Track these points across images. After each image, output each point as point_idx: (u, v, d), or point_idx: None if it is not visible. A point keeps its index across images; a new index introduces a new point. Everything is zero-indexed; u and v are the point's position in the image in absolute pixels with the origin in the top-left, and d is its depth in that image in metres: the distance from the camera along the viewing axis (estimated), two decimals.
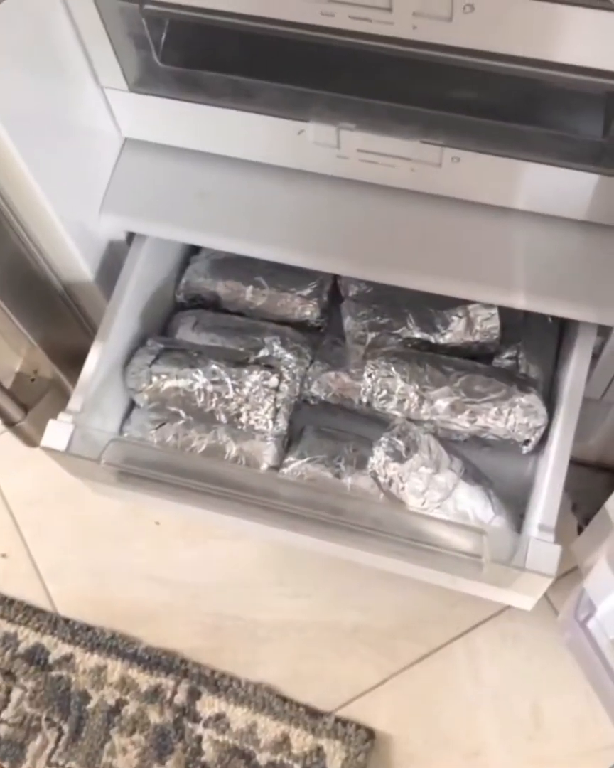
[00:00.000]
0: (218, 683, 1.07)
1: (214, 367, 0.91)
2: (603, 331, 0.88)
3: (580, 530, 1.07)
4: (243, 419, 0.91)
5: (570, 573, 1.03)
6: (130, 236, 0.95)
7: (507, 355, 0.95)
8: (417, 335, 0.94)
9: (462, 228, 0.86)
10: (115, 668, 1.08)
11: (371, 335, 0.94)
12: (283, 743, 1.04)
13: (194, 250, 1.03)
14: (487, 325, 0.93)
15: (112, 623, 1.12)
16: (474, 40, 0.68)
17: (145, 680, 1.07)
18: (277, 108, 0.83)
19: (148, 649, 1.09)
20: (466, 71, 0.71)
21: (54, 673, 1.09)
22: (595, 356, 0.89)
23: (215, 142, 0.89)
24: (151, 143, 0.91)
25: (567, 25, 0.64)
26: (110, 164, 0.92)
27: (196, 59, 0.84)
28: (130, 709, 1.06)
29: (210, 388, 0.90)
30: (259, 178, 0.90)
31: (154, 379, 0.92)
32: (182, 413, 0.93)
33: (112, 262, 0.95)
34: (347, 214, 0.88)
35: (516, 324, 0.96)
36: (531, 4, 0.63)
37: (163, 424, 0.94)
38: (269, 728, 1.04)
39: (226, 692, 1.06)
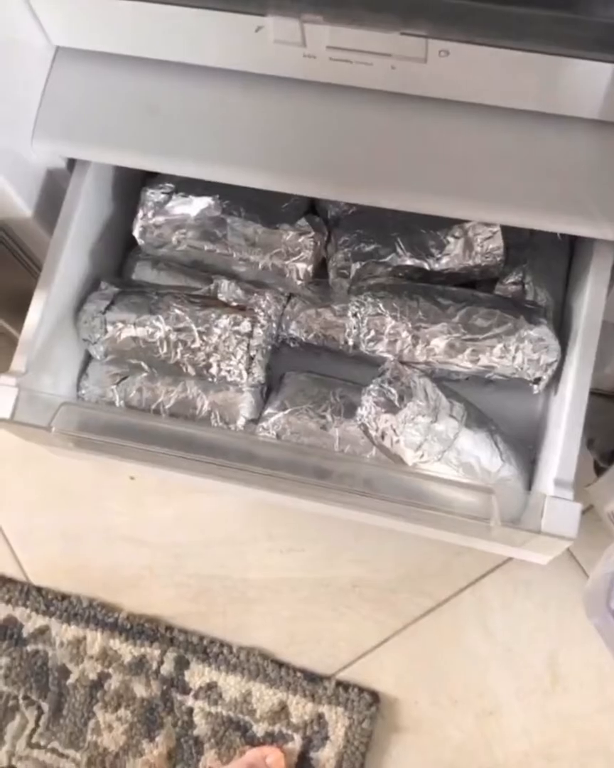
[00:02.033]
0: (207, 650, 0.99)
1: (177, 311, 0.80)
2: None
3: (597, 468, 0.98)
4: (213, 371, 0.80)
5: (585, 512, 0.95)
6: (71, 163, 0.84)
7: (511, 279, 0.84)
8: (409, 262, 0.83)
9: (454, 135, 0.75)
10: (95, 639, 1.00)
11: (355, 266, 0.83)
12: (280, 712, 0.97)
13: (148, 175, 0.90)
14: (489, 245, 0.82)
15: (89, 591, 1.04)
16: None
17: (128, 651, 0.99)
18: (229, 0, 0.70)
19: (129, 617, 1.01)
20: None
21: (29, 648, 1.01)
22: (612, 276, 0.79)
23: (161, 45, 0.77)
24: (88, 51, 0.79)
25: None
26: (41, 80, 0.80)
27: None
28: (114, 682, 0.99)
29: (173, 336, 0.79)
30: (215, 88, 0.78)
31: (110, 328, 0.81)
32: (144, 365, 0.82)
33: (53, 195, 0.84)
34: (320, 125, 0.76)
35: (521, 242, 0.85)
36: None
37: (124, 377, 0.84)
38: (265, 696, 0.97)
39: (216, 660, 0.98)
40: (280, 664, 0.98)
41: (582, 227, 0.74)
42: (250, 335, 0.79)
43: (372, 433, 0.75)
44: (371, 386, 0.75)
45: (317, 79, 0.75)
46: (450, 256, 0.83)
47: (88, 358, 0.87)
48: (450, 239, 0.83)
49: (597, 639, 0.95)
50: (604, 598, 0.63)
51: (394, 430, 0.75)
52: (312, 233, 0.82)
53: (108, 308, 0.82)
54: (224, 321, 0.78)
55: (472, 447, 0.78)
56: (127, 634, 1.00)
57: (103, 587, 1.03)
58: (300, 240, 0.82)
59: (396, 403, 0.75)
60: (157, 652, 0.99)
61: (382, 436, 0.75)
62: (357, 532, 1.02)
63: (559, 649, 0.98)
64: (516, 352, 0.78)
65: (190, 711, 0.97)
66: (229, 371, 0.80)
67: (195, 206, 0.83)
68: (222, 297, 0.81)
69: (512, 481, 0.79)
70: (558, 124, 0.73)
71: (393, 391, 0.75)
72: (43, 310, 0.79)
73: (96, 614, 1.01)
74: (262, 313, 0.80)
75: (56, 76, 0.80)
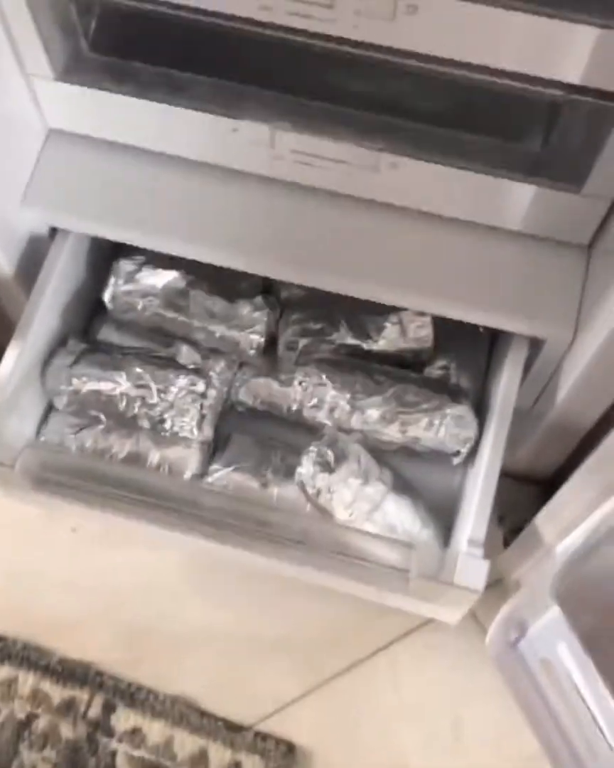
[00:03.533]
0: (134, 696, 1.03)
1: (138, 370, 0.88)
2: (534, 342, 0.87)
3: (506, 542, 1.06)
4: (167, 425, 0.87)
5: (494, 584, 1.02)
6: (53, 231, 0.92)
7: (438, 364, 0.95)
8: (350, 341, 0.93)
9: (397, 234, 0.85)
10: (27, 680, 1.03)
11: (303, 341, 0.92)
12: (200, 758, 1.01)
13: (121, 247, 0.99)
14: (420, 332, 0.92)
15: (24, 633, 1.07)
16: (416, 41, 0.66)
17: (57, 693, 1.03)
18: (211, 104, 0.81)
19: (62, 661, 1.05)
20: (407, 74, 0.70)
21: None
22: (525, 367, 0.89)
23: (145, 136, 0.86)
24: (78, 135, 0.88)
25: (508, 30, 0.63)
26: (34, 155, 0.88)
27: (127, 49, 0.81)
28: (42, 723, 1.02)
29: (133, 392, 0.87)
30: (190, 176, 0.87)
31: (75, 380, 0.88)
32: (102, 417, 0.90)
33: (33, 258, 0.92)
34: (281, 216, 0.86)
35: (448, 333, 0.95)
36: (474, 7, 0.62)
37: (82, 428, 0.90)
38: (186, 743, 1.01)
39: (142, 705, 1.03)
40: (203, 713, 1.03)
41: (502, 322, 0.85)
42: (204, 395, 0.87)
43: (309, 490, 0.83)
44: (311, 448, 0.84)
45: (282, 178, 0.85)
46: (387, 339, 0.93)
47: (50, 409, 0.93)
48: (388, 325, 0.93)
49: (498, 700, 1.03)
50: (504, 633, 0.71)
51: (329, 489, 0.83)
52: (267, 310, 0.92)
53: (74, 363, 0.89)
54: (182, 380, 0.87)
55: (397, 510, 0.86)
56: (59, 676, 1.03)
57: (38, 630, 1.07)
58: (255, 315, 0.92)
59: (332, 464, 0.83)
60: (85, 696, 1.02)
61: (317, 494, 0.83)
62: (285, 591, 1.08)
63: (463, 709, 1.05)
64: (440, 426, 0.87)
65: (114, 753, 1.00)
66: (181, 427, 0.87)
67: (162, 278, 0.92)
68: (181, 360, 0.89)
69: (431, 543, 0.88)
70: (488, 232, 0.83)
71: (331, 453, 0.83)
72: (14, 363, 0.86)
73: (29, 656, 1.04)
74: (215, 377, 0.89)
75: (48, 153, 0.88)
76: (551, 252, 0.82)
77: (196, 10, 0.69)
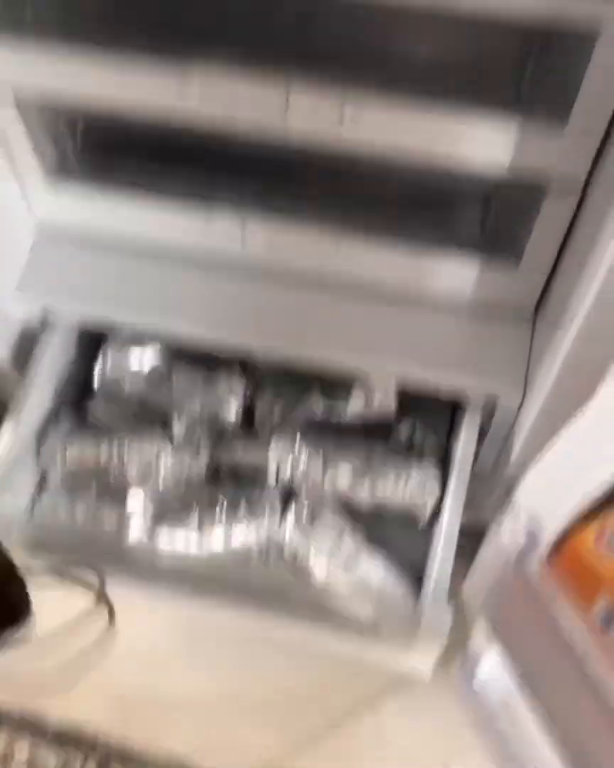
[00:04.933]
0: (128, 757, 1.06)
1: (127, 441, 0.94)
2: (488, 410, 0.94)
3: None
4: None
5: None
6: (45, 317, 0.99)
7: (404, 430, 1.01)
8: (321, 410, 1.00)
9: (361, 311, 0.92)
10: (23, 746, 1.07)
11: (278, 410, 0.99)
12: None
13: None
14: (385, 401, 0.99)
15: (18, 699, 1.11)
16: (361, 141, 0.75)
17: (53, 756, 1.06)
18: (187, 199, 0.89)
19: (56, 725, 1.08)
20: (359, 170, 0.79)
21: None
22: (483, 435, 0.96)
23: (128, 229, 0.94)
24: (67, 228, 0.96)
25: (432, 128, 0.72)
26: (26, 248, 0.96)
27: (110, 154, 0.90)
28: None
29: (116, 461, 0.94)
30: (169, 263, 0.95)
31: (67, 454, 0.95)
32: (94, 486, 0.96)
33: (26, 344, 0.99)
34: (253, 296, 0.93)
35: (414, 403, 1.01)
36: (406, 114, 0.71)
37: (75, 497, 0.96)
38: None
39: (135, 766, 1.06)
40: None
41: (457, 384, 0.91)
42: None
43: (286, 548, 0.90)
44: (288, 508, 0.90)
45: (252, 262, 0.92)
46: (354, 408, 1.00)
47: (43, 481, 0.99)
48: (354, 394, 1.00)
49: (481, 755, 1.06)
50: (462, 666, 0.75)
51: (305, 546, 0.89)
52: (244, 382, 0.99)
53: (66, 437, 0.96)
54: (167, 449, 0.94)
55: (369, 567, 0.92)
56: (53, 740, 1.07)
57: (33, 696, 1.11)
58: (233, 387, 0.99)
59: (310, 521, 0.89)
60: (80, 757, 1.06)
61: (295, 551, 0.89)
62: (270, 653, 1.12)
63: (449, 762, 1.08)
64: (406, 486, 0.93)
65: None
66: None
67: (147, 356, 1.00)
68: (165, 431, 0.97)
69: (401, 595, 0.93)
70: (442, 307, 0.90)
71: (306, 513, 0.90)
72: (11, 438, 0.93)
73: (25, 722, 1.08)
74: (198, 445, 0.96)
75: (39, 245, 0.96)
76: (500, 322, 0.90)
77: (170, 124, 0.78)
